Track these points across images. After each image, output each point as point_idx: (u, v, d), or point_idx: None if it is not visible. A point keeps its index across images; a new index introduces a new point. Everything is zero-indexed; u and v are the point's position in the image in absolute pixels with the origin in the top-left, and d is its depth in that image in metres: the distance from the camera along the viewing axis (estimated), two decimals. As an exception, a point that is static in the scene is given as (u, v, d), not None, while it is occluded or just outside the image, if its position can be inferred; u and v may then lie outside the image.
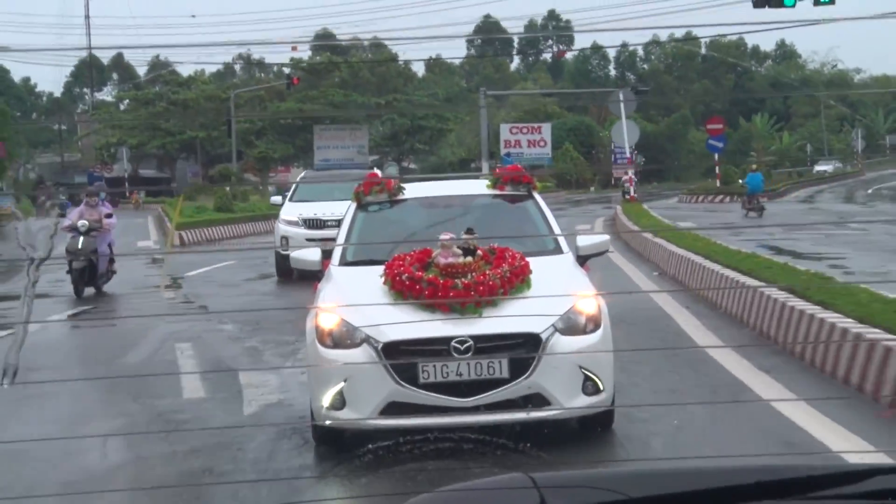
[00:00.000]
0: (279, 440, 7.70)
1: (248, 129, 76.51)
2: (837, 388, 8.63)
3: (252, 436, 7.80)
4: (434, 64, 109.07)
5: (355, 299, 7.16)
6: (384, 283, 7.24)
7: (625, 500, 1.79)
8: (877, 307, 9.39)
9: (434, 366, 6.89)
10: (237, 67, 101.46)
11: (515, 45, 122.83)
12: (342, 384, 6.96)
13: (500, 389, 6.92)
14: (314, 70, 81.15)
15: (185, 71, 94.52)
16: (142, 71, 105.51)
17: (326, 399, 6.97)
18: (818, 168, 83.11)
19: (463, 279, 7.14)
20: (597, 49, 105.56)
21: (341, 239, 8.15)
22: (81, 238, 18.47)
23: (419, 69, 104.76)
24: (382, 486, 6.03)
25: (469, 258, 7.28)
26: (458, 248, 7.31)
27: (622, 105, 39.27)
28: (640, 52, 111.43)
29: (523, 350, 7.00)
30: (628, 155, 41.93)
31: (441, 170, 68.55)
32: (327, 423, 7.00)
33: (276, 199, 24.14)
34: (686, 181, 69.01)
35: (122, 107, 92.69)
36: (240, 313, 14.57)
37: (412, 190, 8.66)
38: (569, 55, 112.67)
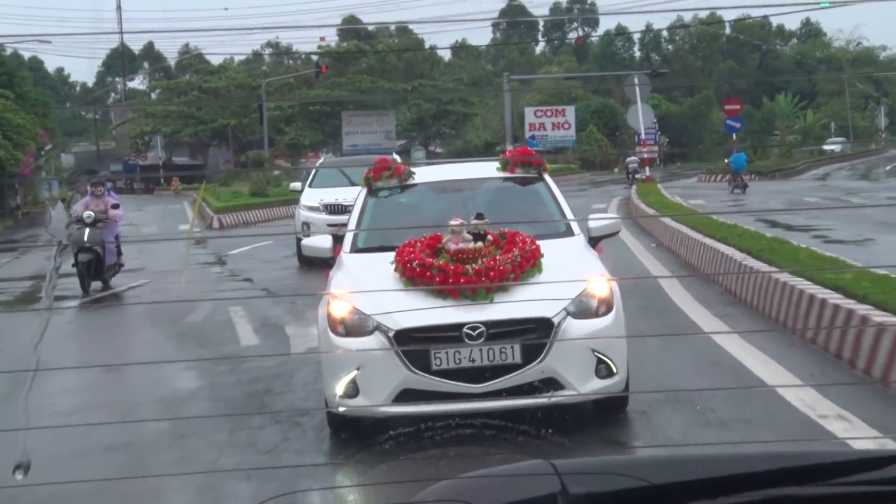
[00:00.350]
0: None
1: (277, 117, 76.56)
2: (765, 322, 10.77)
3: (299, 368, 9.36)
4: (460, 49, 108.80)
5: (367, 287, 7.04)
6: (395, 269, 7.10)
7: (647, 487, 1.76)
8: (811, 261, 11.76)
9: (446, 352, 6.76)
10: (266, 55, 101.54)
11: (541, 28, 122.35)
12: (355, 372, 6.84)
13: (513, 375, 6.79)
14: (341, 57, 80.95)
15: (215, 59, 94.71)
16: (172, 60, 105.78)
17: (340, 387, 6.85)
18: (826, 147, 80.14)
19: (474, 265, 7.00)
20: (617, 34, 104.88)
21: (352, 225, 8.02)
22: (87, 229, 17.45)
23: (445, 54, 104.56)
24: (404, 472, 5.97)
25: (479, 243, 7.14)
26: (469, 233, 7.16)
27: (637, 88, 39.65)
28: (665, 34, 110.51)
29: (536, 335, 6.85)
30: (643, 137, 43.20)
31: (466, 153, 68.30)
32: (341, 410, 6.88)
33: (296, 184, 23.45)
34: (710, 161, 68.43)
35: (153, 95, 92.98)
36: (276, 284, 16.92)
37: (422, 174, 8.51)
38: (591, 38, 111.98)
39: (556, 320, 6.89)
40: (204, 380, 9.50)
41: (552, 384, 6.88)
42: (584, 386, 6.93)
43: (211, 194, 43.92)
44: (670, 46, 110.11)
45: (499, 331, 6.82)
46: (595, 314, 7.03)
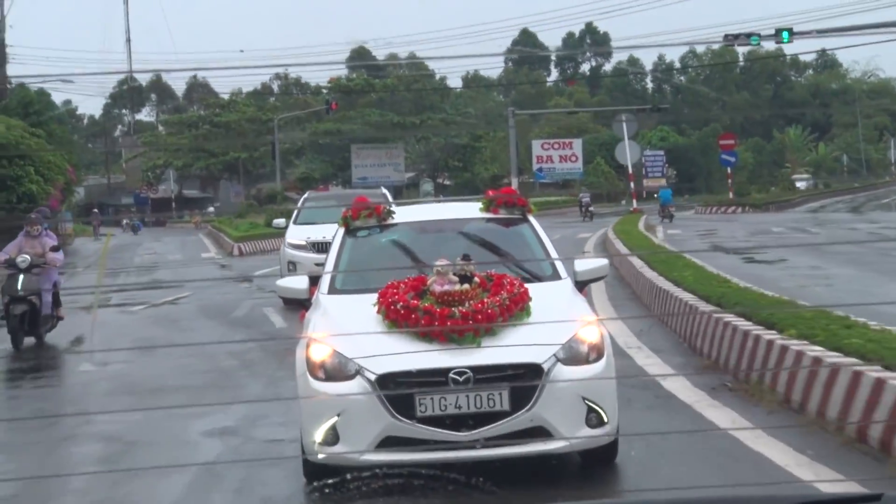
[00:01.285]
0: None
1: (288, 150, 76.76)
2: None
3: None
4: (471, 79, 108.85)
5: (348, 328, 6.73)
6: (378, 311, 6.79)
7: None
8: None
9: (431, 398, 6.44)
10: (274, 87, 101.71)
11: (553, 59, 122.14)
12: (335, 418, 6.51)
13: (500, 422, 6.47)
14: (350, 91, 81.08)
15: (223, 89, 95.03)
16: (180, 91, 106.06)
17: (319, 434, 6.52)
18: (798, 184, 76.08)
19: (460, 307, 6.69)
20: (613, 74, 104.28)
21: (329, 266, 7.67)
22: (21, 276, 14.65)
23: (456, 83, 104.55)
24: None
25: (466, 285, 6.83)
26: (455, 274, 6.86)
27: (624, 126, 44.39)
28: (677, 63, 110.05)
29: (524, 381, 6.54)
30: (631, 172, 48.96)
31: (473, 186, 68.20)
32: (320, 457, 6.55)
33: (280, 221, 21.88)
34: (718, 193, 68.17)
35: (160, 128, 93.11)
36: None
37: (402, 214, 8.20)
38: (603, 71, 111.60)
39: (545, 366, 6.58)
40: (254, 353, 13.11)
41: (541, 433, 6.57)
42: (574, 434, 6.61)
43: (228, 225, 48.92)
44: (682, 78, 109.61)
45: (486, 376, 6.51)
46: (585, 360, 6.72)
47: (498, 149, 76.48)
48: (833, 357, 8.00)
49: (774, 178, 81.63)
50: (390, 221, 7.93)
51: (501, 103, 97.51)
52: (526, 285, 6.95)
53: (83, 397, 11.34)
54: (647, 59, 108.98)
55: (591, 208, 46.48)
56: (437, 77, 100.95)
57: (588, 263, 7.80)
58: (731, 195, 57.04)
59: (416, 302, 6.73)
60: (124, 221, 62.06)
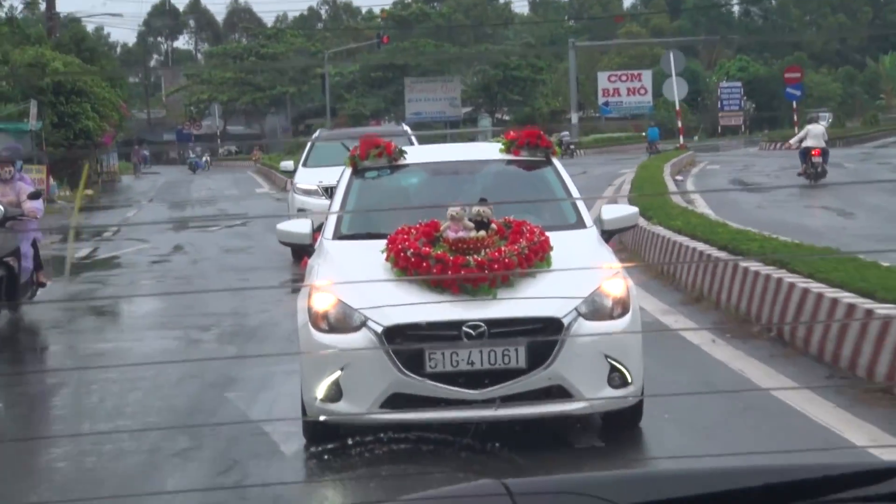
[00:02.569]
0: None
1: (338, 83, 76.62)
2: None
3: None
4: (539, 3, 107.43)
5: (354, 276, 6.65)
6: (386, 259, 6.71)
7: None
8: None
9: (442, 353, 6.38)
10: (323, 12, 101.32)
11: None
12: (338, 373, 6.47)
13: (516, 380, 6.40)
14: (404, 20, 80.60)
15: (267, 15, 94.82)
16: (219, 18, 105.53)
17: (321, 390, 6.49)
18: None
19: (475, 256, 6.58)
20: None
21: (335, 208, 7.57)
22: None
23: (521, 9, 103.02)
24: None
25: (482, 232, 6.72)
26: (470, 220, 6.75)
27: (672, 63, 47.98)
28: None
29: (542, 336, 6.45)
30: (678, 108, 50.72)
31: (532, 121, 67.57)
32: (322, 417, 6.52)
33: (287, 163, 20.34)
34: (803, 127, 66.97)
35: (200, 58, 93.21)
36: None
37: (415, 154, 8.07)
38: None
39: (565, 321, 6.48)
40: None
41: (559, 393, 6.49)
42: (595, 395, 6.51)
43: (277, 161, 47.82)
44: (773, 1, 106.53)
45: (502, 330, 6.43)
46: (609, 315, 6.60)
47: (562, 82, 75.70)
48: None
49: (865, 110, 79.88)
50: (402, 162, 7.80)
51: (571, 30, 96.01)
52: (547, 234, 6.82)
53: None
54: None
55: (571, 146, 50.74)
56: (501, 1, 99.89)
57: (616, 211, 7.64)
58: (796, 130, 57.23)
59: (427, 249, 6.64)
60: (135, 159, 63.88)
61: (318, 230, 7.66)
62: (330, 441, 6.77)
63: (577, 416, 6.71)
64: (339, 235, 7.38)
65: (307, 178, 17.23)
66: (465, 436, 6.21)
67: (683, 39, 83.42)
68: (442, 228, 6.76)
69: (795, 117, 58.23)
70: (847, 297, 8.24)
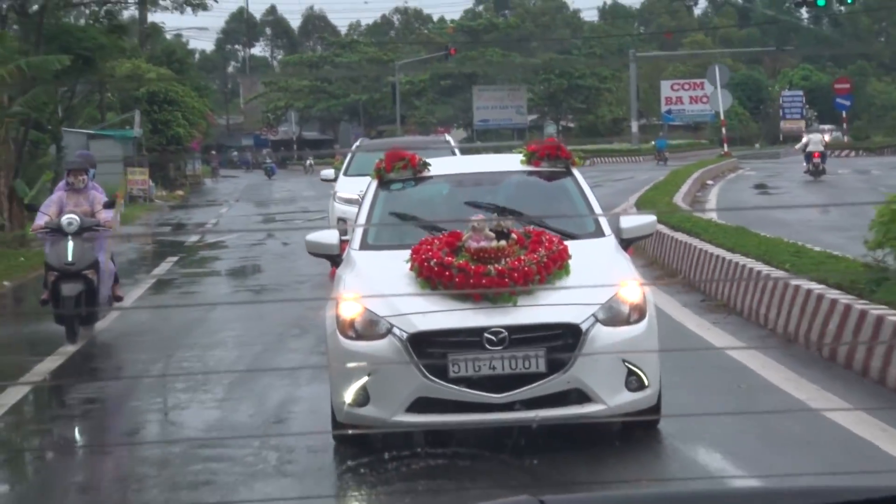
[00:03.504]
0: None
1: (408, 91, 76.95)
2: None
3: None
4: (608, 11, 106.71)
5: (379, 286, 6.75)
6: (411, 268, 6.79)
7: None
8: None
9: (465, 359, 6.45)
10: (395, 20, 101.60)
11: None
12: (366, 378, 6.57)
13: (536, 384, 6.45)
14: (473, 30, 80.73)
15: (341, 23, 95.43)
16: (295, 25, 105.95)
17: (349, 395, 6.59)
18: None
19: (496, 265, 6.64)
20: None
21: (361, 220, 7.66)
22: (70, 243, 10.97)
23: (591, 17, 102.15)
24: None
25: (503, 242, 6.77)
26: (491, 230, 6.81)
27: (717, 75, 48.42)
28: None
29: (561, 342, 6.49)
30: (724, 118, 52.16)
31: (595, 129, 67.37)
32: (350, 432, 6.65)
33: (328, 172, 19.51)
34: (859, 135, 65.96)
35: (275, 65, 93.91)
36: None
37: (438, 166, 8.13)
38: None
39: (584, 327, 6.51)
40: None
41: (578, 396, 6.52)
42: (613, 399, 6.54)
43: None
44: (843, 8, 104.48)
45: (522, 336, 6.48)
46: (626, 321, 6.63)
47: (625, 90, 75.33)
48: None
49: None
50: (426, 174, 7.87)
51: (640, 38, 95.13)
52: (567, 242, 6.85)
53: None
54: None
55: (665, 153, 54.39)
56: (570, 10, 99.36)
57: (634, 220, 7.65)
58: (845, 139, 60.07)
59: (450, 259, 6.70)
60: (214, 163, 65.78)
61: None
62: (361, 447, 6.87)
63: (600, 426, 6.71)
64: (365, 246, 7.47)
65: (348, 187, 16.45)
66: (501, 449, 6.26)
67: (741, 51, 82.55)
68: (464, 238, 6.83)
69: (845, 126, 59.00)
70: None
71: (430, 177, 7.90)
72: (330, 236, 7.68)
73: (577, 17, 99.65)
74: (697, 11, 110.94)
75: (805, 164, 33.78)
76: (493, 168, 8.45)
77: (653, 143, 57.96)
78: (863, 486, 1.73)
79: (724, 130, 50.31)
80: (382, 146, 17.48)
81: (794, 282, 9.76)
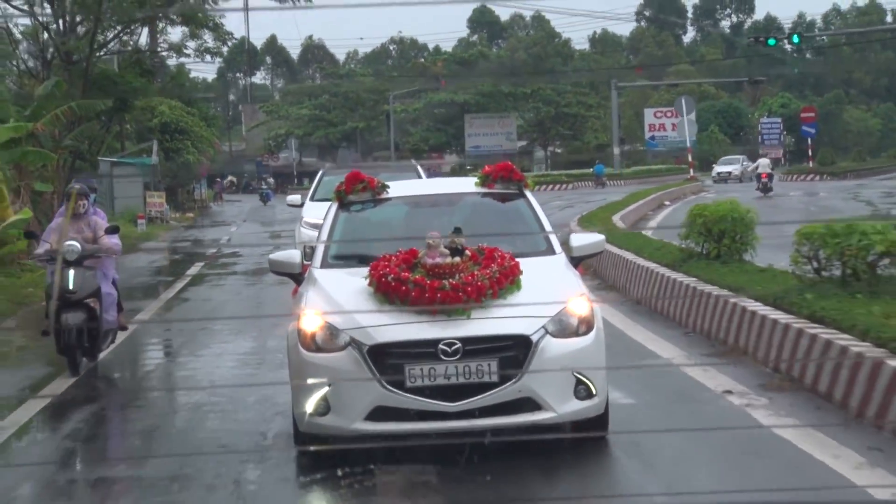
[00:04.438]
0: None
1: (404, 118, 77.27)
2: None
3: None
4: (598, 40, 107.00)
5: (339, 301, 6.81)
6: (369, 284, 6.85)
7: None
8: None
9: (421, 369, 6.49)
10: (391, 49, 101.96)
11: (689, 16, 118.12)
12: (326, 389, 6.61)
13: (489, 393, 6.49)
14: (465, 61, 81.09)
15: (339, 52, 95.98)
16: (294, 54, 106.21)
17: (310, 405, 6.63)
18: (719, 169, 58.82)
19: (450, 280, 6.70)
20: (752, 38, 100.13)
21: (322, 239, 7.73)
22: (71, 271, 10.30)
23: (581, 46, 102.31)
24: None
25: (457, 258, 6.83)
26: (446, 248, 6.87)
27: (684, 106, 50.56)
28: (819, 23, 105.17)
29: (513, 353, 6.54)
30: (689, 146, 52.60)
31: (581, 153, 67.74)
32: (311, 448, 6.68)
33: (294, 198, 18.61)
34: (837, 160, 66.19)
35: (276, 95, 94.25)
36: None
37: (397, 188, 8.20)
38: (745, 24, 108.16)
39: (534, 338, 6.57)
40: None
41: (529, 404, 6.57)
42: (562, 407, 6.59)
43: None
44: (824, 38, 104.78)
45: (475, 347, 6.53)
46: (575, 333, 6.68)
47: (608, 118, 75.67)
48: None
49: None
50: (384, 196, 7.94)
51: (627, 66, 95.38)
52: (519, 259, 6.92)
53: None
54: (787, 19, 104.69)
55: (603, 178, 57.46)
56: (562, 39, 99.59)
57: (583, 239, 7.71)
58: (810, 164, 62.25)
59: (407, 274, 6.76)
60: (217, 189, 67.54)
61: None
62: (318, 461, 6.82)
63: (548, 427, 6.75)
64: (326, 264, 7.53)
65: (315, 212, 15.26)
66: (456, 465, 6.25)
67: (713, 80, 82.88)
68: (420, 255, 6.89)
69: (810, 153, 60.86)
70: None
71: (389, 198, 7.97)
72: (292, 256, 7.74)
73: (567, 46, 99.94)
74: (686, 40, 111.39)
75: (756, 183, 39.57)
76: (449, 190, 8.53)
77: (591, 169, 60.27)
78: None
79: (689, 157, 52.00)
80: (346, 172, 17.21)
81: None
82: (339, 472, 6.46)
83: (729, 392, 8.10)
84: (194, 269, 21.88)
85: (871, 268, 9.22)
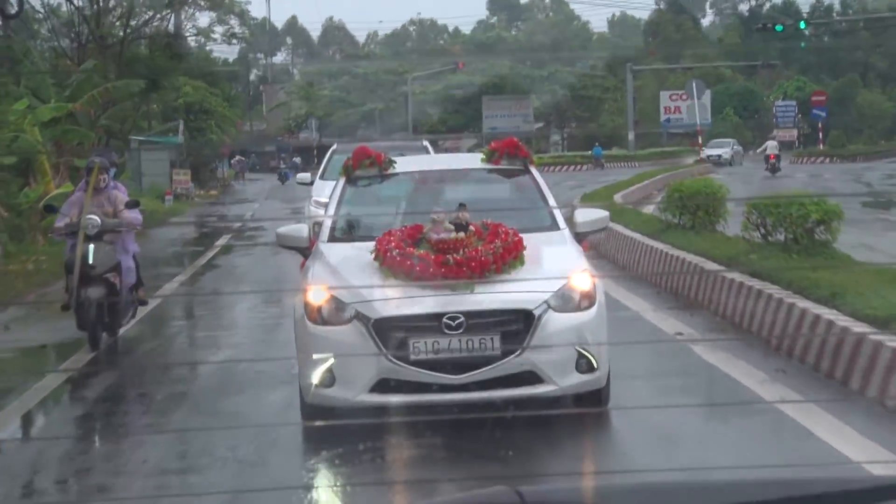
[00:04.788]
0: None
1: (423, 100, 77.22)
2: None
3: None
4: (616, 22, 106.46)
5: (345, 275, 6.83)
6: (374, 258, 6.86)
7: None
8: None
9: (425, 342, 6.51)
10: (411, 30, 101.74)
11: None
12: (331, 361, 6.63)
13: (491, 366, 6.51)
14: (483, 45, 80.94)
15: (359, 32, 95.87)
16: (315, 34, 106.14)
17: (316, 377, 6.66)
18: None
19: (455, 255, 6.71)
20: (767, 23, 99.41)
21: (330, 214, 7.74)
22: (91, 246, 10.05)
23: (601, 28, 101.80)
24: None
25: (461, 234, 6.84)
26: (450, 223, 6.87)
27: (695, 90, 53.12)
28: (837, 5, 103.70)
29: (516, 327, 6.55)
30: (699, 128, 55.11)
31: (596, 137, 67.51)
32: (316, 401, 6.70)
33: (304, 175, 18.44)
34: (851, 143, 65.83)
35: (295, 74, 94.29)
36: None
37: (403, 164, 8.20)
38: (765, 6, 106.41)
39: (536, 312, 6.58)
40: None
41: (531, 377, 6.58)
42: (564, 380, 6.61)
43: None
44: (843, 24, 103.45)
45: (479, 321, 6.54)
46: (577, 308, 6.69)
47: (624, 101, 75.23)
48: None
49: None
50: (391, 171, 7.94)
51: (651, 46, 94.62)
52: (523, 235, 6.91)
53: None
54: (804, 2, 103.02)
55: (602, 160, 58.03)
56: (581, 21, 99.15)
57: (588, 214, 7.69)
58: (821, 147, 62.85)
59: (412, 249, 6.77)
60: (238, 167, 67.09)
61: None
62: (334, 437, 6.79)
63: (551, 399, 6.75)
64: (332, 238, 7.55)
65: (324, 190, 14.61)
66: (476, 441, 6.25)
67: (726, 64, 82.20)
68: (425, 230, 6.89)
69: (821, 136, 60.76)
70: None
71: (396, 174, 7.97)
72: (300, 230, 7.76)
73: (586, 28, 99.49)
74: (706, 23, 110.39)
75: (765, 163, 42.56)
76: (455, 165, 8.52)
77: (590, 152, 60.91)
78: (835, 478, 1.70)
79: (700, 139, 52.95)
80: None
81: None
82: (358, 447, 6.44)
83: (680, 333, 9.58)
84: (222, 241, 23.40)
85: (808, 233, 10.76)
